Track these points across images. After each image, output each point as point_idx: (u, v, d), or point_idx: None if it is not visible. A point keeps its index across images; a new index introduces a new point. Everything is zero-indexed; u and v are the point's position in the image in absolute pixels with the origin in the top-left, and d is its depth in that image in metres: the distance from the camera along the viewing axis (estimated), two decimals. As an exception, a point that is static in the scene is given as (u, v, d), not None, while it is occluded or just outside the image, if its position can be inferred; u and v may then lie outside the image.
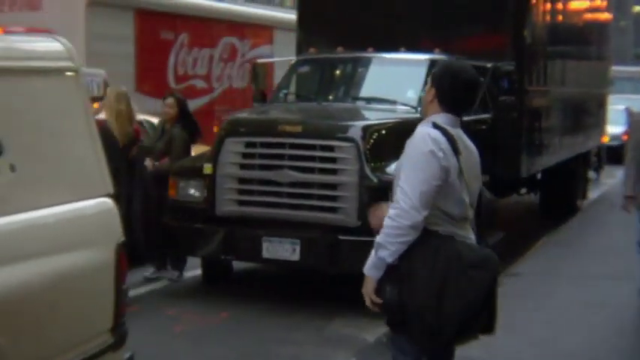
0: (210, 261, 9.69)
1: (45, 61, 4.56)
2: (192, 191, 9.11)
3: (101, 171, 4.73)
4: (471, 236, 4.57)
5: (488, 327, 4.55)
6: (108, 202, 4.74)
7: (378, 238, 4.34)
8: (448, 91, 4.47)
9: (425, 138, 4.34)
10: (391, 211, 4.31)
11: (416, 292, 4.29)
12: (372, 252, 4.41)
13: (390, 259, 4.31)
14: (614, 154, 21.41)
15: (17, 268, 4.02)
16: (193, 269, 10.19)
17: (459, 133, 4.52)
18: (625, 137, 26.03)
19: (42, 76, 4.51)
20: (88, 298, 4.52)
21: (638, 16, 62.92)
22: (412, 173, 4.30)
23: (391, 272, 4.35)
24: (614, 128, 22.06)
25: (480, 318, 4.41)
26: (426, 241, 4.32)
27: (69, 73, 4.66)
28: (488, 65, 10.45)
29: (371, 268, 4.40)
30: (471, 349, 7.35)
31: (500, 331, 7.74)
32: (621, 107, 25.36)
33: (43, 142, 4.43)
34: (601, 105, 17.37)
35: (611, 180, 20.44)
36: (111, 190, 4.77)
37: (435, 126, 4.40)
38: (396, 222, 4.27)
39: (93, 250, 4.54)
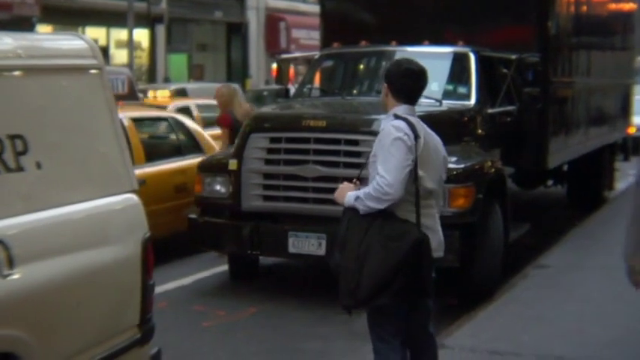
0: (236, 257, 9.71)
1: (69, 59, 4.59)
2: (217, 187, 9.12)
3: (126, 167, 4.75)
4: (428, 221, 5.17)
5: (420, 292, 5.14)
6: (133, 197, 4.77)
7: (360, 194, 5.05)
8: (396, 82, 5.20)
9: (391, 129, 5.04)
10: (374, 183, 4.99)
11: (345, 256, 5.09)
12: (354, 194, 5.09)
13: (359, 209, 5.05)
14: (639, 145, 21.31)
15: (44, 264, 4.05)
16: (220, 265, 10.23)
17: (417, 121, 5.19)
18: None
19: (66, 74, 4.53)
20: (115, 293, 4.55)
21: (663, 6, 62.34)
22: (390, 159, 4.97)
23: (338, 241, 5.19)
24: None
25: (397, 283, 4.95)
26: (366, 216, 5.03)
27: (93, 71, 4.68)
28: (513, 57, 10.41)
29: (348, 200, 5.13)
30: (497, 341, 7.41)
31: (529, 323, 7.84)
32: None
33: (68, 139, 4.45)
34: (626, 95, 17.24)
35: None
36: (136, 185, 4.79)
37: (396, 117, 5.11)
38: (374, 193, 4.97)
39: (119, 246, 4.56)
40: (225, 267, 10.07)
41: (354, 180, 5.33)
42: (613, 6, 16.11)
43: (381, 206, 4.97)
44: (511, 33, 11.38)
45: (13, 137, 4.05)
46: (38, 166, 4.15)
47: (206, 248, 9.78)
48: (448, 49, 10.45)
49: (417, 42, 10.67)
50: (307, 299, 9.05)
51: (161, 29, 28.31)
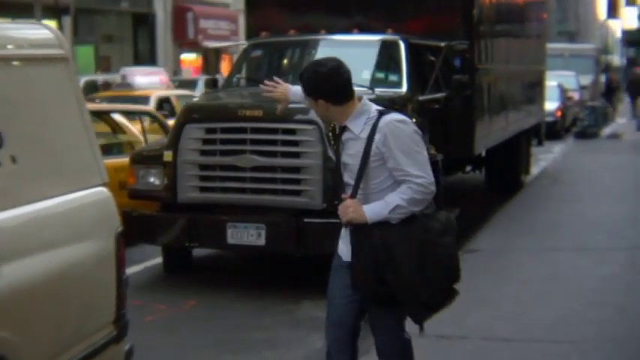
0: (170, 250, 9.58)
1: (36, 49, 4.44)
2: (152, 179, 8.99)
3: (96, 160, 4.63)
4: None
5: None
6: (104, 191, 4.65)
7: (400, 202, 4.55)
8: (328, 90, 4.66)
9: (398, 125, 4.64)
10: (414, 187, 4.56)
11: (399, 271, 4.54)
12: (382, 205, 4.58)
13: (394, 220, 4.59)
14: (548, 130, 21.82)
15: (26, 262, 3.92)
16: (152, 259, 10.09)
17: None
18: (559, 113, 26.63)
19: (34, 65, 4.38)
20: (91, 290, 4.43)
21: (559, -6, 63.71)
22: (417, 156, 4.62)
23: (372, 269, 4.60)
24: (549, 104, 22.41)
25: (460, 271, 4.75)
26: (399, 225, 4.58)
27: (59, 61, 4.54)
28: (442, 44, 10.50)
29: (375, 215, 4.59)
30: (443, 326, 7.46)
31: (471, 307, 7.93)
32: (554, 84, 25.81)
33: (40, 132, 4.31)
34: (540, 82, 17.62)
35: (549, 155, 20.80)
36: (106, 179, 4.68)
37: (382, 112, 4.69)
38: (420, 196, 4.57)
39: (93, 241, 4.45)
40: (156, 260, 9.94)
41: (344, 196, 4.71)
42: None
43: (423, 206, 4.59)
44: (439, 21, 11.47)
45: (-13, 131, 3.91)
46: (13, 160, 4.01)
47: (142, 242, 9.62)
48: (377, 37, 10.49)
49: (347, 31, 10.68)
50: (245, 290, 9.01)
51: (68, 20, 27.75)
